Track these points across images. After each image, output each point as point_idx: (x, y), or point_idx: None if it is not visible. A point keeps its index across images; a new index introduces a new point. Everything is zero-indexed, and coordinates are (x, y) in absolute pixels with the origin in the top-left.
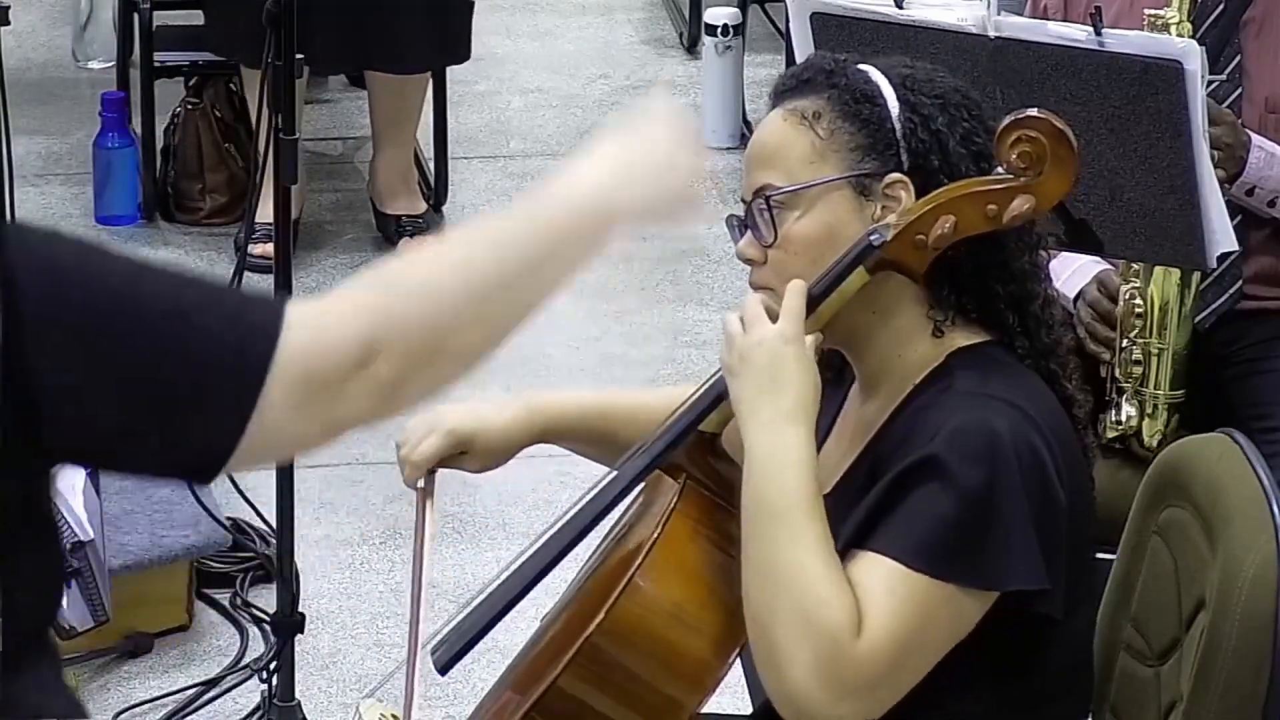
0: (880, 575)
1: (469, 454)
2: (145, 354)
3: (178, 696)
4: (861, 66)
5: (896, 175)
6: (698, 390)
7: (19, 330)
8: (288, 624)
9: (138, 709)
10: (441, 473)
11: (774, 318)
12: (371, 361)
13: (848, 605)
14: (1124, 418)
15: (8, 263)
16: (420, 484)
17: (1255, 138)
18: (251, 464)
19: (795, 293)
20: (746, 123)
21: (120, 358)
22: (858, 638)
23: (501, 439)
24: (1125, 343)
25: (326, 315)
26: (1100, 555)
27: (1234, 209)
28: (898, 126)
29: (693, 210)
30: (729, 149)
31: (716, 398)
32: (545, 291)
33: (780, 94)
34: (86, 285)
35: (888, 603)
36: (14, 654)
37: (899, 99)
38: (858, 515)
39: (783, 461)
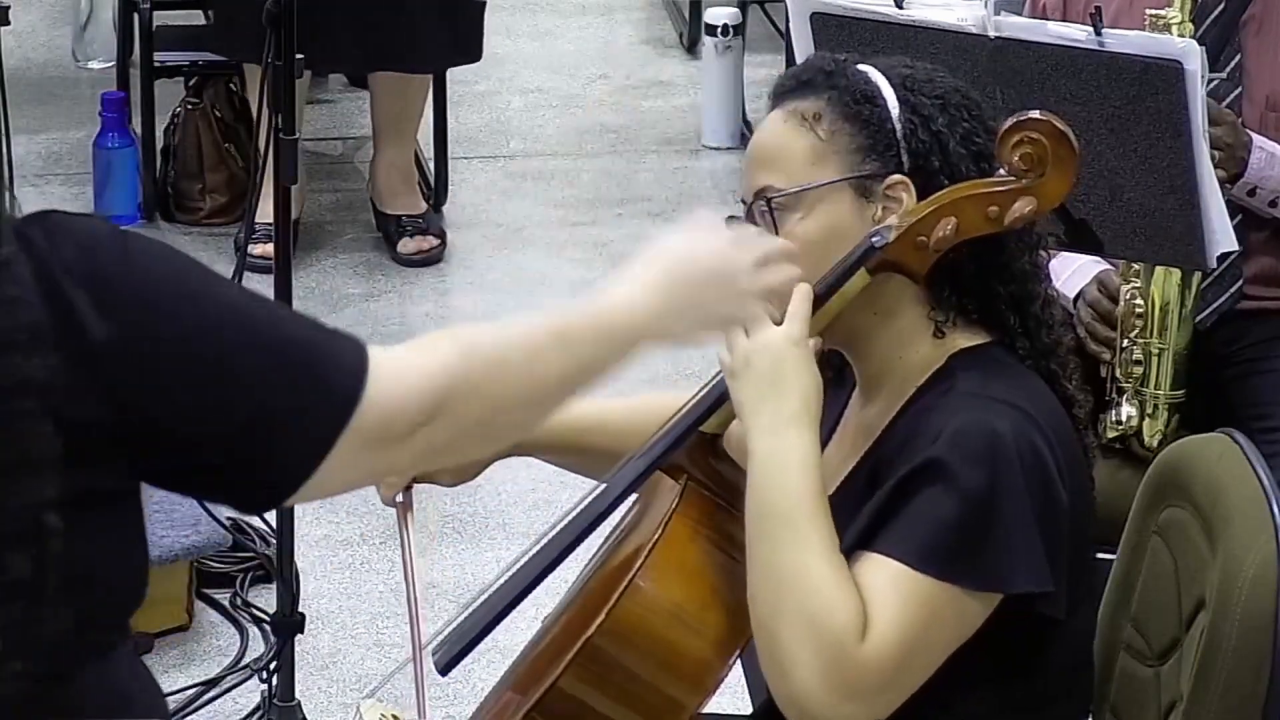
0: (886, 577)
1: (442, 470)
2: (239, 389)
3: (178, 696)
4: (861, 67)
5: (897, 176)
6: (698, 391)
7: (125, 360)
8: (288, 624)
9: None
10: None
11: (775, 320)
12: (434, 420)
13: (853, 608)
14: (1124, 418)
15: (118, 295)
16: (399, 499)
17: (1256, 138)
18: (298, 501)
19: (801, 296)
20: (746, 123)
21: (215, 391)
22: (863, 640)
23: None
24: (1126, 343)
25: (410, 369)
26: (1100, 555)
27: (1234, 209)
28: (898, 127)
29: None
30: (729, 149)
31: (718, 399)
32: (582, 393)
33: (780, 95)
34: (188, 317)
35: (893, 604)
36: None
37: (899, 99)
38: (861, 518)
39: (786, 464)
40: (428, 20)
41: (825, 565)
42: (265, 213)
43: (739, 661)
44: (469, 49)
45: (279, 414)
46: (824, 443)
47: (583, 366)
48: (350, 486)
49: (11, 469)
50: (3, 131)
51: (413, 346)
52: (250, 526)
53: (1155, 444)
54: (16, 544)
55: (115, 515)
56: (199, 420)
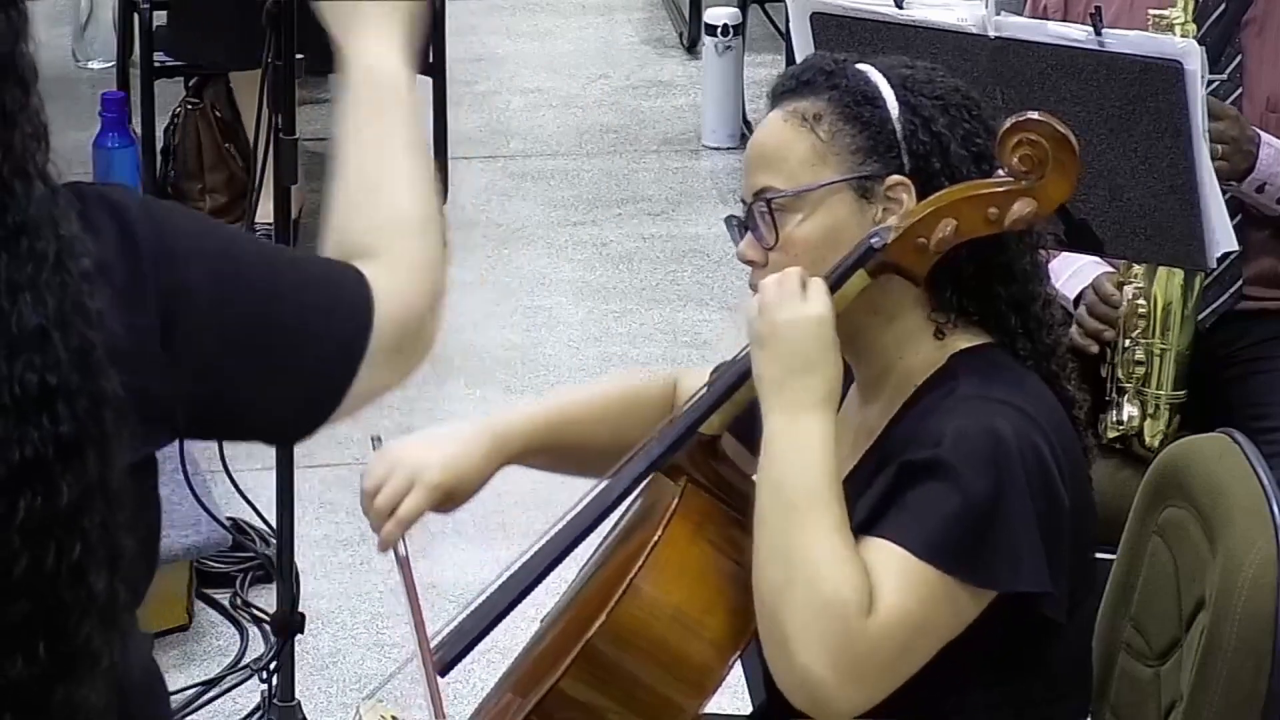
0: (890, 560)
1: (448, 500)
2: (275, 322)
3: (178, 696)
4: (861, 67)
5: (898, 177)
6: (698, 393)
7: (179, 314)
8: (288, 624)
9: None
10: None
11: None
12: (434, 312)
13: (861, 585)
14: (1125, 418)
15: (172, 247)
16: (400, 550)
17: (1264, 135)
18: (341, 417)
19: (816, 280)
20: (746, 123)
21: (255, 328)
22: (869, 617)
23: (477, 480)
24: (1128, 343)
25: (402, 282)
26: (1100, 555)
27: (1234, 208)
28: (898, 128)
29: None
30: (729, 149)
31: (718, 400)
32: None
33: (779, 95)
34: (227, 264)
35: (899, 586)
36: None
37: (899, 100)
38: (864, 506)
39: (805, 444)
40: None
41: (837, 541)
42: (265, 213)
43: (739, 662)
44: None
45: (311, 342)
46: None
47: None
48: (388, 389)
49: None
50: None
51: (387, 254)
52: (250, 527)
53: (1156, 444)
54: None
55: (141, 480)
56: (243, 357)
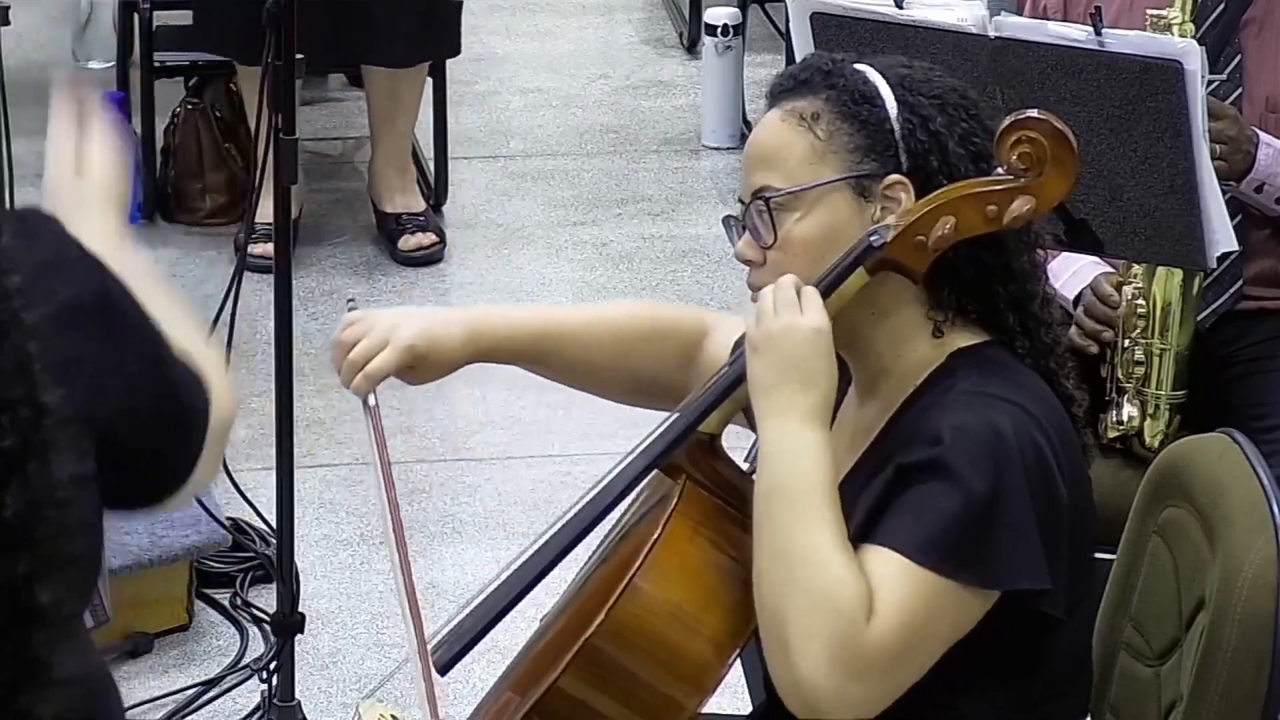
0: (889, 567)
1: (415, 370)
2: (144, 394)
3: (178, 696)
4: (859, 66)
5: (896, 176)
6: (697, 391)
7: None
8: (288, 624)
9: (138, 709)
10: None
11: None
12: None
13: (861, 589)
14: (1125, 418)
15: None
16: (371, 401)
17: (1263, 135)
18: (175, 506)
19: (811, 291)
20: (746, 123)
21: (126, 395)
22: (869, 622)
23: (448, 359)
24: (1127, 343)
25: (220, 377)
26: (1100, 555)
27: (1234, 208)
28: (896, 127)
29: None
30: (729, 149)
31: (717, 398)
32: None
33: (778, 94)
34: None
35: (897, 592)
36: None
37: (897, 99)
38: (861, 509)
39: (801, 449)
40: (403, 13)
41: (836, 545)
42: (265, 212)
43: (739, 661)
44: (446, 42)
45: (173, 418)
46: None
47: None
48: (206, 485)
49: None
50: (3, 131)
51: (199, 355)
52: (250, 527)
53: (1156, 444)
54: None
55: (87, 490)
56: (119, 416)
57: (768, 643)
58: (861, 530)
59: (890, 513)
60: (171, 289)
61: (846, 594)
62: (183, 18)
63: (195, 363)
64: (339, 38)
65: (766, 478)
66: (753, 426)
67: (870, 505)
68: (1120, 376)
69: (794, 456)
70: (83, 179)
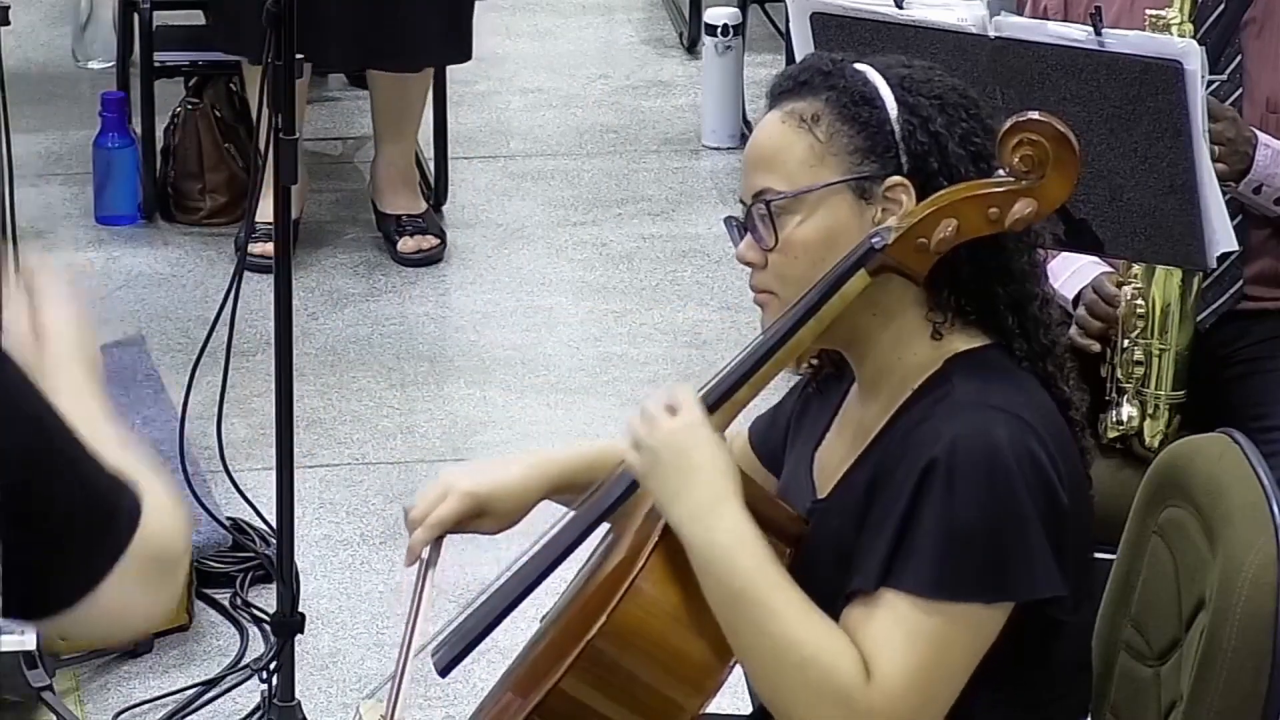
0: (899, 613)
1: (485, 516)
2: (45, 484)
3: (178, 696)
4: (858, 67)
5: (897, 178)
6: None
7: None
8: (288, 624)
9: (138, 709)
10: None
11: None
12: (182, 562)
13: (850, 658)
14: (1125, 418)
15: None
16: (425, 553)
17: (1261, 135)
18: (97, 633)
19: (684, 389)
20: (746, 123)
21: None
22: (869, 684)
23: (518, 497)
24: (1127, 343)
25: (166, 503)
26: (1100, 555)
27: (1234, 209)
28: (897, 129)
29: None
30: (729, 149)
31: (716, 400)
32: None
33: (777, 96)
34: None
35: (896, 640)
36: None
37: (897, 100)
38: (869, 545)
39: (728, 546)
40: (421, 18)
41: (806, 629)
42: (265, 212)
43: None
44: (461, 48)
45: (70, 518)
46: (821, 436)
47: None
48: (155, 617)
49: None
50: (3, 131)
51: (146, 481)
52: (250, 527)
53: (1156, 444)
54: None
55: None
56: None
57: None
58: (869, 574)
59: (897, 553)
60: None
61: (838, 674)
62: (183, 18)
63: (132, 479)
64: (365, 41)
65: (713, 586)
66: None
67: (878, 548)
68: (1120, 376)
69: (727, 557)
70: (42, 347)
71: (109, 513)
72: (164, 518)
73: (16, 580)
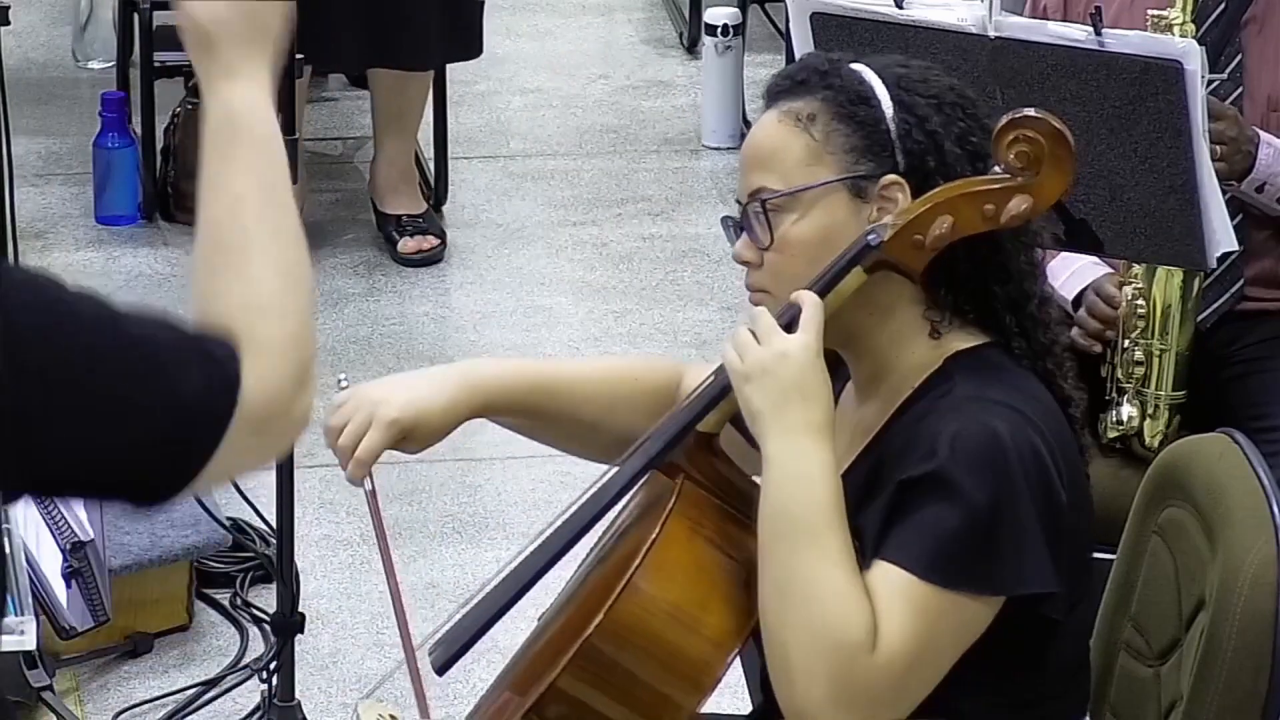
0: (893, 585)
1: (409, 439)
2: (121, 381)
3: (178, 696)
4: (855, 66)
5: (892, 177)
6: (695, 390)
7: (16, 369)
8: (288, 624)
9: (138, 709)
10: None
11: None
12: (302, 389)
13: (866, 620)
14: (1125, 418)
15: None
16: (368, 486)
17: (1263, 134)
18: (206, 489)
19: (812, 304)
20: (746, 123)
21: (102, 386)
22: (873, 651)
23: (441, 421)
24: (1127, 343)
25: (264, 368)
26: (1100, 555)
27: (1234, 209)
28: (893, 128)
29: None
30: (729, 149)
31: (715, 398)
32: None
33: (774, 95)
34: (74, 325)
35: (901, 612)
36: None
37: (893, 99)
38: (866, 525)
39: (809, 472)
40: (427, 17)
41: (841, 575)
42: None
43: (738, 661)
44: (468, 46)
45: (165, 409)
46: None
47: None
48: (257, 467)
49: None
50: (3, 131)
51: (251, 338)
52: (250, 527)
53: (1156, 444)
54: None
55: None
56: (93, 413)
57: (772, 669)
58: (864, 548)
59: (894, 528)
60: (280, 188)
61: (849, 627)
62: None
63: (226, 350)
64: (375, 39)
65: (774, 500)
66: (752, 442)
67: (875, 521)
68: (1120, 376)
69: (803, 479)
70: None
71: (191, 421)
72: (260, 383)
73: (137, 467)
